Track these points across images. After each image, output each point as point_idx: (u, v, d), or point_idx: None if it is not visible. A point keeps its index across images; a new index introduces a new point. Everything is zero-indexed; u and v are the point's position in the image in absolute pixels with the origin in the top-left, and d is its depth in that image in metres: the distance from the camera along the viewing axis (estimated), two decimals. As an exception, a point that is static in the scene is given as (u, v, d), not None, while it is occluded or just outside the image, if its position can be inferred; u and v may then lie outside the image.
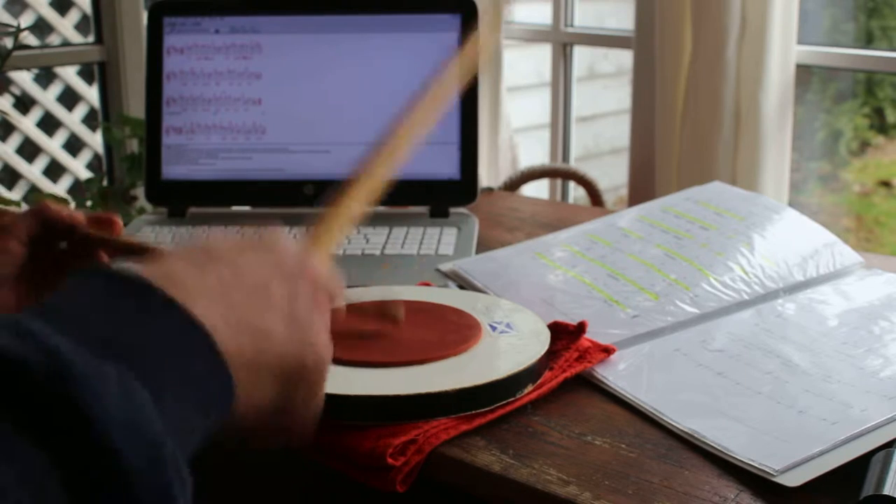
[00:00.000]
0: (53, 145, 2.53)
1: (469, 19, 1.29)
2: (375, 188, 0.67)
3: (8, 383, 0.38)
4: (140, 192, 2.04)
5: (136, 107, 2.29)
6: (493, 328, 0.90)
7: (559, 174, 2.31)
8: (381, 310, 0.84)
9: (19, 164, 2.48)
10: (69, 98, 2.55)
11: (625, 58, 2.74)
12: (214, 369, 0.45)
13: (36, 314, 0.42)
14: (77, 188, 2.55)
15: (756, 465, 0.72)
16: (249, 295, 0.50)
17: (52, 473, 0.37)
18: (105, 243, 0.82)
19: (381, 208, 1.33)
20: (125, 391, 0.40)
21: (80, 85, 2.54)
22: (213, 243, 0.52)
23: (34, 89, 2.48)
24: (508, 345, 0.87)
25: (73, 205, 1.89)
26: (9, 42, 1.59)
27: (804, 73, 2.65)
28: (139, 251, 0.84)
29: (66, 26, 2.46)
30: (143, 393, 0.41)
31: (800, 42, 1.99)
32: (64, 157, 2.55)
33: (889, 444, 0.72)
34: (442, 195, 1.29)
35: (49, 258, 0.81)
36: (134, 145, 2.16)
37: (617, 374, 0.86)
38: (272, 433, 0.53)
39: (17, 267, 0.78)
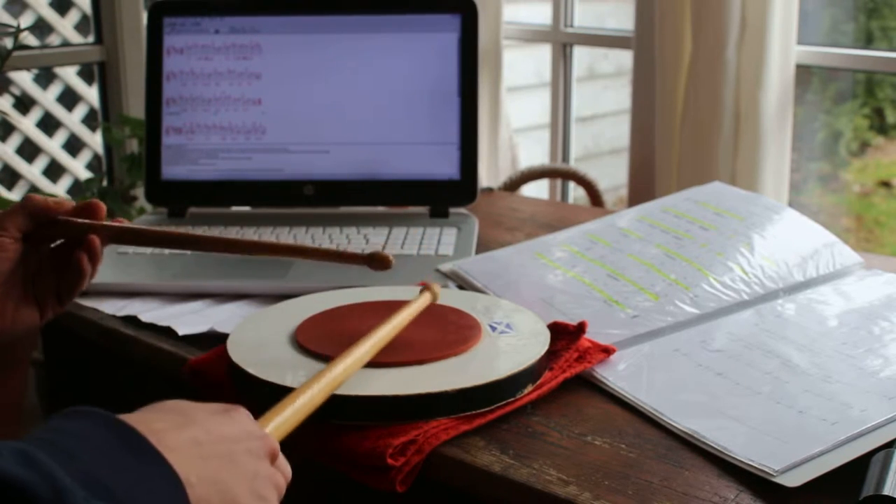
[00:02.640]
0: (53, 145, 2.53)
1: (469, 19, 1.29)
2: (335, 384, 0.72)
3: None
4: (140, 192, 2.04)
5: (136, 107, 2.29)
6: (493, 328, 0.90)
7: (559, 174, 2.31)
8: (370, 256, 0.85)
9: (19, 164, 2.48)
10: (69, 98, 2.55)
11: (625, 58, 2.74)
12: None
13: (39, 445, 0.47)
14: (77, 188, 2.55)
15: (756, 466, 0.72)
16: (220, 458, 0.54)
17: None
18: (92, 230, 0.83)
19: (381, 208, 1.33)
20: None
21: (79, 85, 2.54)
22: (186, 405, 0.57)
23: (34, 89, 2.47)
24: (508, 345, 0.87)
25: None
26: (9, 42, 1.59)
27: (804, 74, 2.65)
28: (126, 236, 0.85)
29: (66, 26, 2.46)
30: None
31: (800, 42, 1.99)
32: (64, 158, 2.55)
33: (889, 444, 0.72)
34: (442, 195, 1.29)
35: (42, 251, 0.83)
36: (134, 145, 2.16)
37: (617, 375, 0.86)
38: None
39: (13, 262, 0.79)
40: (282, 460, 0.60)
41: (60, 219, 0.82)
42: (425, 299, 0.90)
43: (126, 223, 0.86)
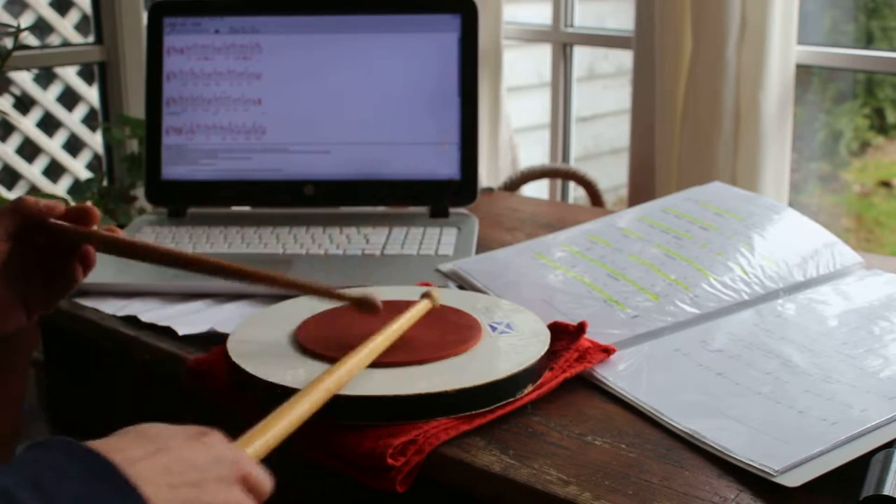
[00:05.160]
0: (53, 145, 2.53)
1: (469, 19, 1.29)
2: (317, 404, 0.71)
3: None
4: (140, 192, 2.03)
5: (136, 107, 2.29)
6: (493, 328, 0.90)
7: (559, 174, 2.31)
8: (360, 299, 0.84)
9: (19, 164, 2.48)
10: (69, 98, 2.55)
11: (625, 58, 2.74)
12: None
13: (19, 485, 0.49)
14: (77, 188, 2.55)
15: (756, 466, 0.72)
16: (189, 486, 0.55)
17: None
18: (84, 238, 0.82)
19: (381, 208, 1.33)
20: None
21: (80, 85, 2.54)
22: (160, 430, 0.58)
23: (34, 89, 2.47)
24: (508, 345, 0.87)
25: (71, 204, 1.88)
26: (9, 42, 1.59)
27: (804, 74, 2.64)
28: (117, 247, 0.84)
29: (66, 26, 2.46)
30: None
31: (800, 42, 1.99)
32: (64, 158, 2.55)
33: (889, 444, 0.72)
34: (442, 195, 1.29)
35: (31, 252, 0.82)
36: (134, 145, 2.16)
37: (617, 375, 0.86)
38: None
39: (0, 263, 0.79)
40: (257, 480, 0.59)
41: (52, 224, 0.81)
42: (423, 307, 0.90)
43: (119, 233, 0.84)
